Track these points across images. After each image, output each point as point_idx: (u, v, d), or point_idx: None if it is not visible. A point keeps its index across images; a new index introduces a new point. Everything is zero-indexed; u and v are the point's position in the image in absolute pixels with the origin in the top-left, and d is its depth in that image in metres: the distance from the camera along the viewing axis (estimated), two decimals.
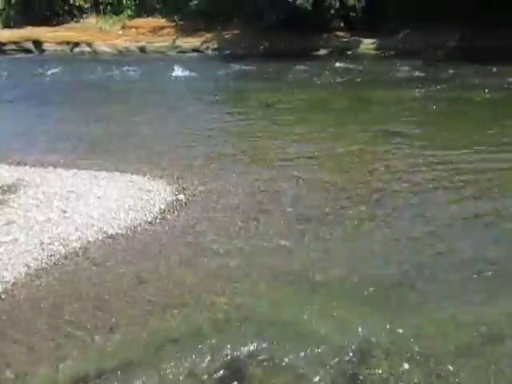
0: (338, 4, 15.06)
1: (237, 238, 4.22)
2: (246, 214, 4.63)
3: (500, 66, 11.64)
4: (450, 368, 2.76)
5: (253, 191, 5.14)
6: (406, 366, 2.80)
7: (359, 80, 11.26)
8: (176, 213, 4.70)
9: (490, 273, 3.65)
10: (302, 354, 2.90)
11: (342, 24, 16.01)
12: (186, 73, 12.77)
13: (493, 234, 4.27)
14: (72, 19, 20.14)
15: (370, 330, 3.08)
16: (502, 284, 3.54)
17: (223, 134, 7.48)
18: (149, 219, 4.57)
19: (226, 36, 17.29)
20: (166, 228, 4.45)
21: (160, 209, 4.75)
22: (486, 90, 9.63)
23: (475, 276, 3.61)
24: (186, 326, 3.16)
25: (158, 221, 4.57)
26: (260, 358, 2.89)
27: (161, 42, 17.74)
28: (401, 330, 3.07)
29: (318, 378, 2.75)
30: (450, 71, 11.65)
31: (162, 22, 18.87)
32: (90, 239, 4.21)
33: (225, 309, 3.33)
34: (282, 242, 4.15)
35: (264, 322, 3.19)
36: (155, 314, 3.30)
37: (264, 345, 2.97)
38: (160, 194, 5.05)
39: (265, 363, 2.86)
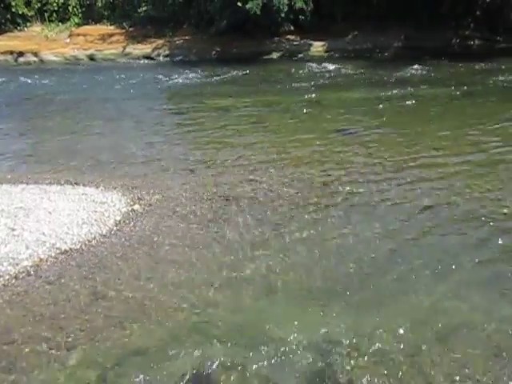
0: (286, 8, 15.30)
1: (196, 247, 4.18)
2: (204, 222, 4.60)
3: (441, 64, 12.21)
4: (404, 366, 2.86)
5: (210, 198, 5.10)
6: (368, 363, 2.87)
7: (311, 82, 11.45)
8: (132, 223, 4.60)
9: (439, 266, 3.80)
10: (267, 358, 2.91)
11: (293, 27, 16.31)
12: (138, 80, 12.59)
13: (441, 228, 4.44)
14: (15, 28, 19.35)
15: (332, 329, 3.13)
16: (449, 279, 3.68)
17: (176, 141, 7.37)
18: (104, 232, 4.44)
19: (178, 42, 17.18)
20: (123, 240, 4.34)
21: (115, 220, 4.63)
22: (432, 88, 10.08)
23: (431, 270, 3.74)
24: (147, 339, 3.10)
25: (113, 233, 4.45)
26: (224, 365, 2.87)
27: (110, 50, 17.40)
28: (361, 328, 3.14)
29: (284, 381, 2.77)
30: (397, 71, 12.08)
31: (111, 28, 18.52)
32: (42, 256, 4.05)
33: (186, 319, 3.29)
34: (241, 248, 4.15)
35: (226, 329, 3.17)
36: (114, 329, 3.21)
37: (228, 351, 2.96)
38: (115, 205, 4.93)
39: (229, 370, 2.85)
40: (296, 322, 3.20)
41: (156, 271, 3.85)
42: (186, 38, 17.22)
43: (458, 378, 2.77)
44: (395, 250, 4.04)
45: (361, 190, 5.20)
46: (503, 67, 12.04)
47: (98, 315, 3.36)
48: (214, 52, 16.30)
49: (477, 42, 15.45)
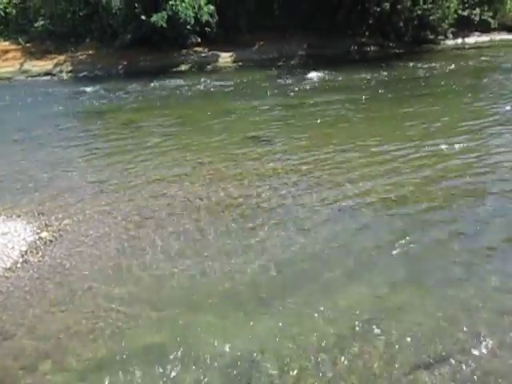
0: (192, 20, 15.33)
1: (112, 270, 4.01)
2: (117, 243, 4.43)
3: (342, 70, 12.96)
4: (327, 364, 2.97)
5: (122, 217, 4.92)
6: (293, 365, 2.93)
7: (220, 92, 11.56)
8: (40, 253, 4.30)
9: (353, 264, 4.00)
10: (195, 372, 2.87)
11: (200, 39, 16.36)
12: (39, 99, 11.85)
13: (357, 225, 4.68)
14: None
15: (256, 335, 3.16)
16: (363, 280, 3.89)
17: (84, 160, 6.98)
18: (8, 265, 4.10)
19: (81, 57, 16.46)
20: (31, 272, 4.04)
21: (21, 251, 4.30)
22: (335, 93, 10.64)
23: (346, 271, 3.92)
24: (63, 379, 2.91)
25: (19, 265, 4.13)
26: None
27: (6, 68, 16.19)
28: (285, 331, 3.21)
29: None
30: (303, 77, 12.60)
31: (5, 44, 17.24)
32: None
33: (106, 347, 3.14)
34: (160, 264, 4.05)
35: (146, 352, 3.08)
36: (24, 372, 2.97)
37: (153, 372, 2.87)
38: (19, 234, 4.57)
39: None
40: (221, 333, 3.20)
41: (71, 302, 3.63)
42: (90, 52, 16.56)
43: None
44: (314, 254, 4.18)
45: (277, 196, 5.32)
46: (396, 71, 13.05)
47: (4, 358, 3.09)
48: (120, 66, 15.83)
49: (372, 48, 16.59)
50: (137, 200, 5.35)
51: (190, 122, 9.11)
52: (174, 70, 15.25)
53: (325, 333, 3.21)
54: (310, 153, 6.70)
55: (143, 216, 4.95)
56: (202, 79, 13.13)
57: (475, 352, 3.00)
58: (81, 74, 15.59)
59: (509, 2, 19.06)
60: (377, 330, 3.21)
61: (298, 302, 3.53)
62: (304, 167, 6.16)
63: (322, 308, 3.43)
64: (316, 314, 3.39)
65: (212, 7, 15.79)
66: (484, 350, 3.00)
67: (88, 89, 12.81)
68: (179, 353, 3.06)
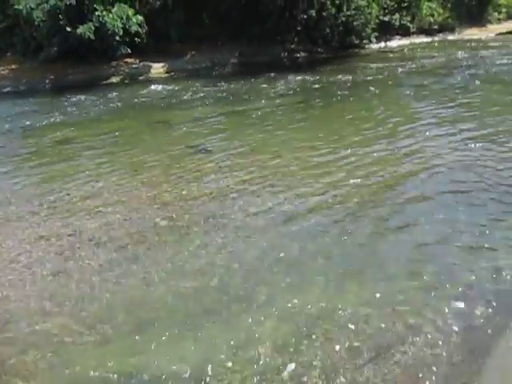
0: (121, 31, 15.05)
1: (44, 296, 3.84)
2: (53, 267, 4.26)
3: (275, 77, 13.27)
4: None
5: (57, 239, 4.74)
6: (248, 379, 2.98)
7: (155, 103, 11.44)
8: None
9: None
10: None
11: (130, 50, 16.08)
12: None
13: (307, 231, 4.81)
14: None
15: (209, 351, 3.17)
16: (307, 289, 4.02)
17: (13, 180, 6.64)
18: None
19: (2, 72, 15.63)
20: None
21: None
22: (269, 99, 10.88)
23: (289, 282, 4.03)
24: None
25: None
26: None
27: None
28: (238, 346, 3.24)
29: None
30: (236, 85, 12.76)
31: None
32: None
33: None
34: (99, 288, 3.95)
35: (89, 379, 2.99)
36: None
37: None
38: None
39: None
40: (170, 353, 3.17)
41: (2, 331, 3.45)
42: (13, 67, 15.78)
43: None
44: (257, 261, 4.25)
45: (218, 206, 5.36)
46: (326, 75, 13.56)
47: None
48: (47, 80, 15.19)
49: (302, 54, 17.11)
50: (71, 221, 5.17)
51: (126, 136, 8.91)
52: (105, 82, 14.88)
53: (273, 339, 3.27)
54: (249, 160, 6.80)
55: (78, 238, 4.79)
56: (135, 91, 12.92)
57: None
58: (3, 90, 14.80)
59: (424, 8, 20.35)
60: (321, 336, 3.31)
61: (245, 311, 3.58)
62: (246, 176, 6.24)
63: (266, 315, 3.50)
64: (261, 322, 3.44)
65: (141, 17, 15.59)
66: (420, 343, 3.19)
67: (13, 105, 12.19)
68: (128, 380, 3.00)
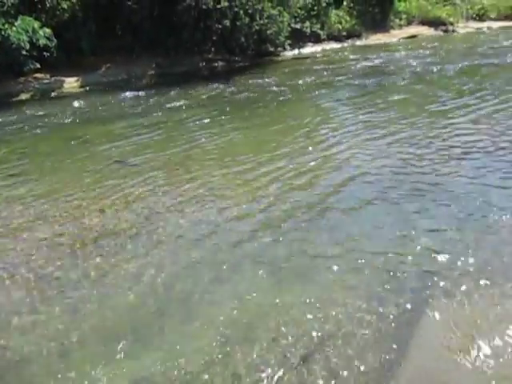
0: (27, 45, 14.25)
1: None
2: None
3: (193, 87, 13.31)
4: None
5: None
6: None
7: (70, 120, 10.97)
8: None
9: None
10: None
11: (39, 65, 15.26)
12: None
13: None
14: None
15: (142, 368, 3.12)
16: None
17: None
18: None
19: None
20: None
21: None
22: (190, 109, 10.87)
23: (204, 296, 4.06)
24: None
25: None
26: None
27: None
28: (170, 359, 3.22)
29: None
30: (155, 97, 12.61)
31: None
32: None
33: None
34: (17, 313, 3.75)
35: None
36: None
37: None
38: None
39: None
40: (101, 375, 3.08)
41: None
42: None
43: None
44: (191, 272, 4.25)
45: (147, 223, 5.29)
46: (244, 83, 13.82)
47: None
48: None
49: (220, 63, 17.29)
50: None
51: (42, 153, 8.47)
52: (13, 100, 14.00)
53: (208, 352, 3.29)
54: (174, 173, 6.78)
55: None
56: (48, 107, 12.30)
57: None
58: None
59: (333, 16, 21.42)
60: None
61: (173, 325, 3.56)
62: (172, 189, 6.21)
63: (198, 328, 3.52)
64: (195, 336, 3.46)
65: (48, 30, 14.88)
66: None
67: None
68: None
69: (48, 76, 15.30)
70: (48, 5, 15.53)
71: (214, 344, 3.32)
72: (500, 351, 3.11)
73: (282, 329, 3.43)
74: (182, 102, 11.80)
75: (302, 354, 3.20)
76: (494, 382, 2.89)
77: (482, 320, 3.41)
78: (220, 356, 3.21)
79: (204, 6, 15.76)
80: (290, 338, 3.34)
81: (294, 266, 4.22)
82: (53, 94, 14.31)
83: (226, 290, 3.95)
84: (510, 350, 3.12)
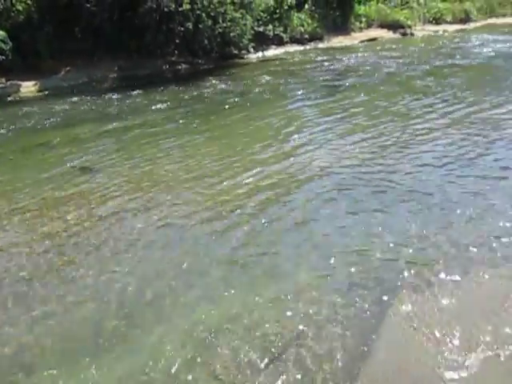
0: None
1: None
2: None
3: (157, 90, 13.15)
4: None
5: None
6: None
7: (29, 125, 10.58)
8: None
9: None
10: None
11: None
12: None
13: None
14: None
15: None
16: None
17: None
18: None
19: None
20: None
21: None
22: (155, 113, 10.73)
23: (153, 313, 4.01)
24: None
25: None
26: None
27: None
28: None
29: None
30: (118, 101, 12.36)
31: None
32: None
33: None
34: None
35: None
36: None
37: None
38: None
39: None
40: None
41: None
42: None
43: None
44: (144, 281, 4.18)
45: (110, 230, 5.17)
46: (209, 86, 13.76)
47: None
48: None
49: (183, 66, 17.14)
50: None
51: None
52: None
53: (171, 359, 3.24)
54: (137, 177, 6.67)
55: None
56: (4, 113, 11.84)
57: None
58: None
59: (295, 19, 21.64)
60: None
61: (149, 333, 3.50)
62: (134, 194, 6.10)
63: (168, 333, 3.46)
64: (164, 341, 3.40)
65: (2, 32, 14.36)
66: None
67: None
68: None
69: (3, 80, 14.73)
70: (2, 6, 14.97)
71: (183, 349, 3.28)
72: (462, 343, 3.21)
73: (254, 329, 3.42)
74: (145, 106, 11.63)
75: (272, 353, 3.21)
76: (458, 373, 2.98)
77: (444, 312, 3.52)
78: (189, 360, 3.17)
79: (166, 9, 15.59)
80: (261, 339, 3.34)
81: (262, 266, 4.23)
82: (9, 99, 13.78)
83: (196, 293, 3.91)
84: (470, 341, 3.22)
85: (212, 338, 3.36)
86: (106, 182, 6.53)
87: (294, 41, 21.40)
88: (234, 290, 3.90)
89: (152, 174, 6.80)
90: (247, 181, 6.18)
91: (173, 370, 3.11)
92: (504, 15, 29.95)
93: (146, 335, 3.46)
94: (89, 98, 12.94)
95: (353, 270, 4.06)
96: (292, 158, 6.95)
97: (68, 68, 15.71)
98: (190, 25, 15.98)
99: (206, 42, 16.68)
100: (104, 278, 4.20)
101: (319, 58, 17.89)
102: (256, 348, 3.25)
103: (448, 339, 3.23)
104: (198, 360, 3.18)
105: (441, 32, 25.26)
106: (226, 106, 10.97)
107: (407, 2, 26.15)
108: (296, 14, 21.50)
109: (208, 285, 4.02)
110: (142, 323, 3.58)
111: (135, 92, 13.08)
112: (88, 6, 15.75)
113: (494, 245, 4.30)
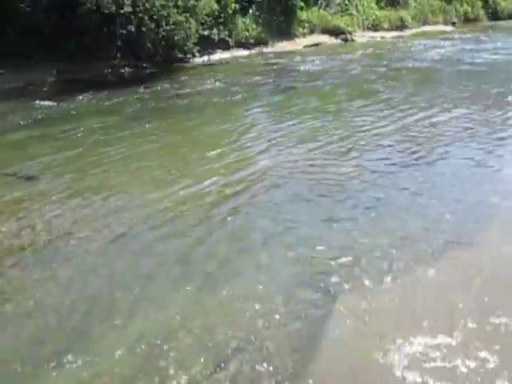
0: None
1: None
2: None
3: (100, 94, 12.76)
4: None
5: None
6: None
7: None
8: None
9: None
10: None
11: None
12: None
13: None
14: None
15: None
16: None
17: None
18: None
19: None
20: None
21: None
22: (100, 117, 10.38)
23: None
24: None
25: None
26: None
27: None
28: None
29: None
30: (58, 106, 11.85)
31: None
32: None
33: None
34: None
35: None
36: None
37: None
38: None
39: None
40: None
41: None
42: None
43: None
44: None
45: (48, 240, 4.94)
46: (154, 90, 13.52)
47: None
48: None
49: (127, 69, 16.71)
50: None
51: None
52: None
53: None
54: (75, 184, 6.43)
55: None
56: None
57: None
58: None
59: (240, 23, 21.73)
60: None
61: (96, 344, 3.36)
62: (75, 201, 5.87)
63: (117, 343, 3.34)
64: (114, 353, 3.28)
65: None
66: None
67: None
68: None
69: None
70: None
71: (132, 359, 3.17)
72: (406, 342, 3.31)
73: (201, 332, 3.37)
74: (85, 110, 11.23)
75: (219, 358, 3.18)
76: (407, 370, 3.07)
77: (388, 312, 3.63)
78: (137, 369, 3.08)
79: (106, 11, 15.13)
80: (209, 342, 3.30)
81: (210, 269, 4.19)
82: None
83: (147, 298, 3.81)
84: (415, 340, 3.33)
85: (161, 346, 3.28)
86: (43, 190, 6.23)
87: (240, 45, 21.47)
88: (184, 293, 3.84)
89: (93, 180, 6.56)
90: (190, 183, 6.13)
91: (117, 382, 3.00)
92: (436, 23, 31.73)
93: (91, 344, 3.32)
94: (24, 102, 12.31)
95: (299, 270, 4.11)
96: (241, 163, 6.97)
97: (1, 71, 14.86)
98: (132, 28, 15.62)
99: (149, 45, 16.35)
100: (42, 290, 3.99)
101: (265, 62, 18.10)
102: (203, 351, 3.21)
103: (391, 340, 3.32)
104: (142, 370, 3.10)
105: (379, 38, 26.33)
106: (172, 111, 10.83)
107: (347, 9, 27.00)
108: (241, 19, 21.59)
109: (154, 289, 3.93)
110: (87, 334, 3.44)
111: (75, 96, 12.60)
112: (22, 5, 15.00)
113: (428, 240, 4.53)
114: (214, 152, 7.36)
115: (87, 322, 3.55)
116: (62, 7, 15.25)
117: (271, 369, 3.04)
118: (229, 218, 5.12)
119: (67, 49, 15.54)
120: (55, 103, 12.09)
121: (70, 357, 3.20)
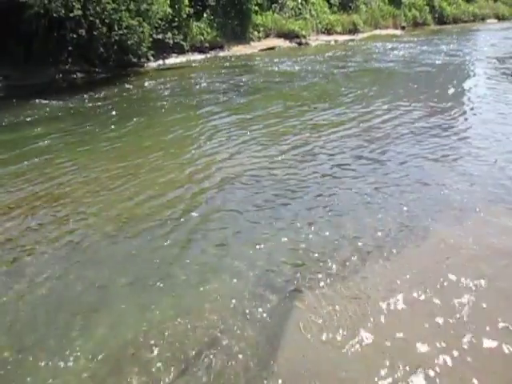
0: None
1: None
2: None
3: (51, 100, 12.33)
4: None
5: None
6: None
7: None
8: None
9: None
10: None
11: None
12: None
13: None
14: None
15: None
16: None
17: None
18: None
19: None
20: None
21: None
22: (46, 125, 10.00)
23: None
24: None
25: None
26: None
27: None
28: None
29: None
30: (5, 113, 11.34)
31: None
32: None
33: None
34: None
35: None
36: None
37: None
38: None
39: None
40: None
41: None
42: None
43: None
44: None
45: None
46: (107, 95, 13.19)
47: None
48: None
49: (79, 75, 16.26)
50: None
51: None
52: None
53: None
54: (31, 196, 6.15)
55: None
56: None
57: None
58: None
59: (194, 27, 21.64)
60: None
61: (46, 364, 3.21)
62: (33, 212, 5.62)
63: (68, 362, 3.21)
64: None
65: None
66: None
67: None
68: None
69: None
70: None
71: (85, 375, 3.05)
72: (365, 341, 3.35)
73: (160, 345, 3.29)
74: (34, 118, 10.80)
75: (180, 367, 3.11)
76: (360, 371, 3.11)
77: (350, 309, 3.67)
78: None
79: (55, 14, 14.68)
80: (169, 353, 3.23)
81: (161, 280, 4.10)
82: None
83: (101, 309, 3.68)
84: (375, 340, 3.37)
85: (113, 364, 3.17)
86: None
87: (195, 49, 21.38)
88: (135, 306, 3.74)
89: (48, 189, 6.31)
90: (141, 190, 6.02)
91: None
92: (387, 27, 32.85)
93: (45, 361, 3.17)
94: None
95: (257, 273, 4.10)
96: (195, 168, 6.90)
97: None
98: (82, 32, 15.23)
99: (101, 49, 16.01)
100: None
101: (221, 66, 18.08)
102: (166, 359, 3.14)
103: (349, 338, 3.35)
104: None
105: (333, 42, 26.96)
106: (126, 117, 10.59)
107: (301, 13, 27.45)
108: (195, 23, 21.50)
109: (110, 299, 3.81)
110: (38, 350, 3.28)
111: (23, 103, 12.12)
112: None
113: (383, 237, 4.63)
114: (171, 157, 7.27)
115: (37, 335, 3.37)
116: (7, 10, 14.65)
117: (233, 371, 3.00)
118: (187, 223, 5.05)
119: (15, 54, 14.97)
120: (0, 110, 11.57)
121: (25, 367, 3.05)
